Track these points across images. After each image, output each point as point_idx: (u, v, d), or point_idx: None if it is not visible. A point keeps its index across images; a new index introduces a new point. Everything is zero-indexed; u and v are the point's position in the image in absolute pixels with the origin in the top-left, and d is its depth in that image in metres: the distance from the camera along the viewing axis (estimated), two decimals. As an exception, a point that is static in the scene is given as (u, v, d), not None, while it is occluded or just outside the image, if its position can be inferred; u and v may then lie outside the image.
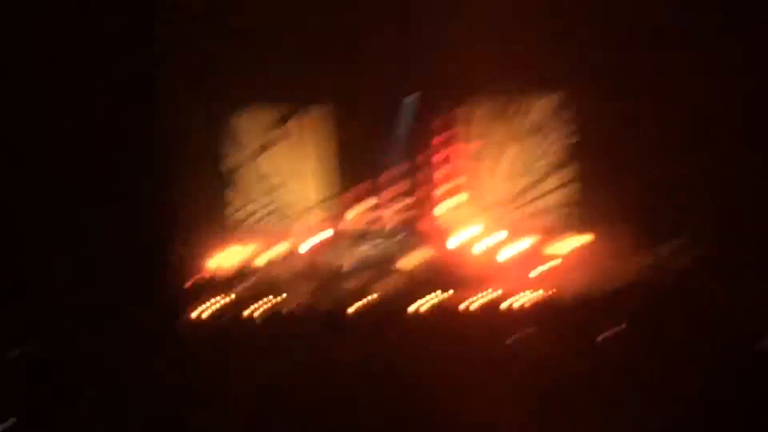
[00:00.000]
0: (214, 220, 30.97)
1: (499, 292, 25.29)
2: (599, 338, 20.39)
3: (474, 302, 24.28)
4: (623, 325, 21.21)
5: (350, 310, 24.29)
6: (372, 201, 31.01)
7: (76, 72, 23.03)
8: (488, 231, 30.13)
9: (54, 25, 23.20)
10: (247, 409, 17.41)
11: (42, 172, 23.03)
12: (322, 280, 28.43)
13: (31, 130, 23.17)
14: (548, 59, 29.20)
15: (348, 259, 29.02)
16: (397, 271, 28.26)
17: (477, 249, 29.19)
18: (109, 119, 23.48)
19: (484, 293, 25.26)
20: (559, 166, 30.82)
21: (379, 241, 28.87)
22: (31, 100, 23.09)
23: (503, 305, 24.49)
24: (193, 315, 24.37)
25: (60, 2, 23.19)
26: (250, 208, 31.71)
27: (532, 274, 27.15)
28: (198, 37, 28.43)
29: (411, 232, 29.86)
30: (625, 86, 27.94)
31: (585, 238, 29.63)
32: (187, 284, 25.75)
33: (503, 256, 28.85)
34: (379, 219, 30.28)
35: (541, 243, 29.42)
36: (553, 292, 24.48)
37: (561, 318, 22.68)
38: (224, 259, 30.24)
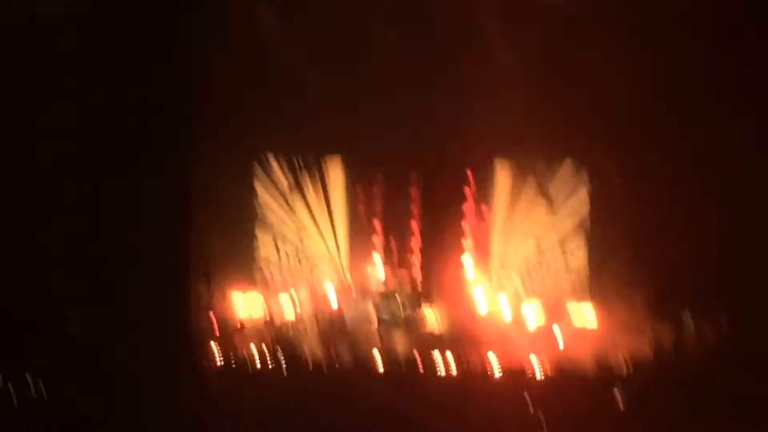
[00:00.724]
0: (240, 268, 31.71)
1: (509, 354, 25.18)
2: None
3: (487, 364, 24.28)
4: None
5: (371, 365, 24.39)
6: (391, 257, 31.69)
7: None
8: (501, 294, 30.77)
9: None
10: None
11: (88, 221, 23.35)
12: (343, 333, 29.00)
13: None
14: (566, 128, 29.98)
15: (368, 313, 29.42)
16: (417, 330, 28.75)
17: (491, 312, 29.76)
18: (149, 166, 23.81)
19: (494, 355, 25.16)
20: (573, 234, 31.49)
21: (398, 297, 29.18)
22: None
23: (513, 367, 24.37)
24: (219, 362, 24.60)
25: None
26: (276, 257, 32.49)
27: (544, 339, 27.30)
28: (228, 88, 29.13)
29: (428, 291, 30.24)
30: (640, 159, 28.50)
31: (597, 307, 30.25)
32: (215, 331, 26.01)
33: (516, 319, 29.30)
34: (399, 275, 30.82)
35: (554, 309, 30.00)
36: (563, 360, 24.46)
37: (572, 385, 22.76)
38: (251, 308, 31.03)
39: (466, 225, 31.94)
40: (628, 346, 26.82)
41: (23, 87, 24.03)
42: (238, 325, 29.21)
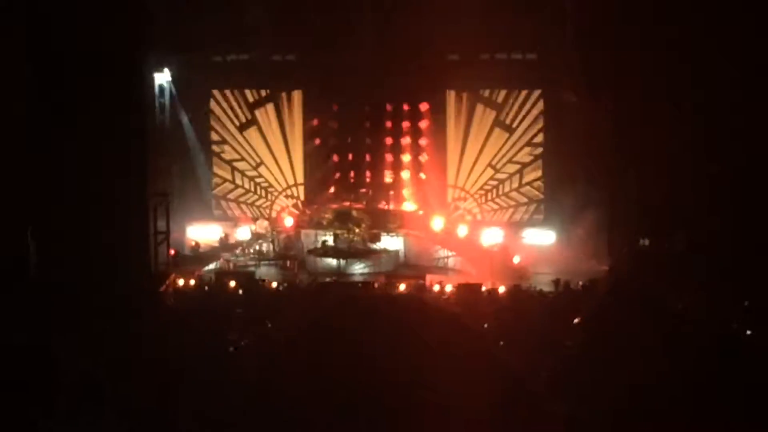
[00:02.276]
0: (197, 193, 32.23)
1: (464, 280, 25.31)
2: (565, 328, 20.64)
3: (442, 288, 24.39)
4: (577, 320, 21.45)
5: (321, 287, 24.43)
6: (348, 188, 31.86)
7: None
8: (456, 222, 30.84)
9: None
10: (226, 376, 17.58)
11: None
12: (296, 257, 29.14)
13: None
14: (525, 58, 30.37)
15: (322, 239, 29.42)
16: (367, 254, 28.78)
17: (448, 238, 29.66)
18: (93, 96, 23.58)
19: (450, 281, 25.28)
20: (529, 163, 31.79)
21: (355, 227, 29.06)
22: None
23: (470, 291, 24.42)
24: (176, 283, 24.67)
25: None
26: (230, 185, 32.95)
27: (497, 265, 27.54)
28: (183, 20, 29.04)
29: (385, 220, 30.18)
30: (600, 88, 28.33)
31: (550, 235, 30.79)
32: (171, 253, 26.08)
33: (472, 245, 29.37)
34: (356, 205, 30.75)
35: (510, 236, 30.12)
36: (519, 284, 24.62)
37: (526, 307, 22.84)
38: (205, 232, 31.32)
39: (423, 156, 32.20)
40: (583, 268, 27.12)
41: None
42: (195, 253, 29.28)
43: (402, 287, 24.46)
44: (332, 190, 32.10)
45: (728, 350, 16.04)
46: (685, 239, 26.75)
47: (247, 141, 32.57)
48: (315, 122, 32.35)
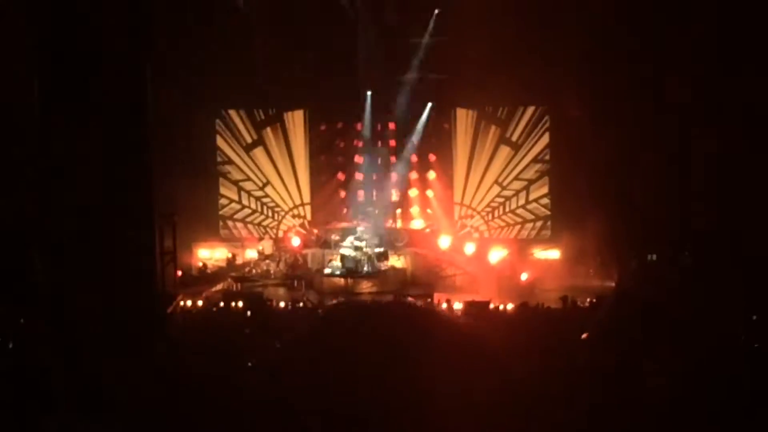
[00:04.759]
0: (204, 214, 32.01)
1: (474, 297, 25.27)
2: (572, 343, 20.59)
3: (450, 306, 24.36)
4: (585, 335, 21.38)
5: (330, 306, 24.35)
6: (357, 206, 31.76)
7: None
8: (466, 239, 30.97)
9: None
10: (235, 395, 17.51)
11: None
12: (304, 277, 29.00)
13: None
14: (532, 75, 30.21)
15: (328, 258, 29.33)
16: (377, 272, 28.64)
17: (455, 255, 29.70)
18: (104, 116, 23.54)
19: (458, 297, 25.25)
20: (535, 179, 31.86)
21: (358, 242, 28.96)
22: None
23: (478, 309, 24.39)
24: (183, 304, 24.66)
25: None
26: (237, 205, 32.93)
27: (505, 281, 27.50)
28: (188, 43, 29.10)
29: (393, 239, 30.22)
30: (605, 104, 28.51)
31: (558, 251, 30.64)
32: (178, 274, 26.10)
33: (480, 263, 29.33)
34: (359, 222, 30.65)
35: (517, 253, 30.07)
36: (527, 301, 24.57)
37: (535, 324, 22.78)
38: (213, 253, 31.36)
39: (430, 174, 32.25)
40: (591, 285, 27.13)
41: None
42: (203, 274, 29.30)
43: (410, 305, 24.39)
44: (339, 209, 32.07)
45: (736, 364, 15.98)
46: (693, 254, 26.74)
47: (253, 161, 32.63)
48: (320, 141, 32.45)
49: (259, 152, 32.63)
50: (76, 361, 18.32)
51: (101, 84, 22.15)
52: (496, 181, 32.00)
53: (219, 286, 28.14)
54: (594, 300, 23.78)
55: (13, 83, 22.67)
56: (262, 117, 32.71)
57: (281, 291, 28.22)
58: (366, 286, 28.12)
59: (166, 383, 17.80)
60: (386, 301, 24.01)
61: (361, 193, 32.25)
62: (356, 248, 28.72)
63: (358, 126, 31.97)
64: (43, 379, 17.03)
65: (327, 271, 28.70)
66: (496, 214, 32.13)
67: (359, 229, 29.83)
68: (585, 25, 28.22)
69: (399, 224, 31.68)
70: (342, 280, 28.16)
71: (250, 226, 32.80)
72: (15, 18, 22.82)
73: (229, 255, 30.77)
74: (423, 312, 20.12)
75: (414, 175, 32.14)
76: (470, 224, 32.15)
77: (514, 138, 31.77)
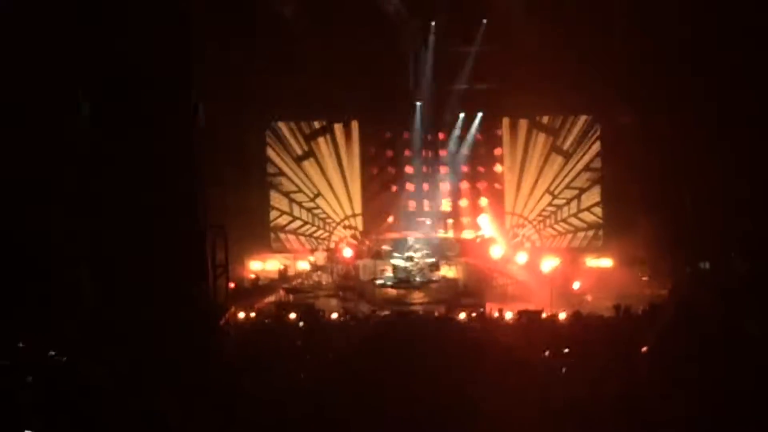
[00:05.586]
0: (255, 226, 32.14)
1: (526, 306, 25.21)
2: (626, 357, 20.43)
3: (501, 315, 24.32)
4: (644, 349, 21.17)
5: (384, 317, 24.35)
6: (407, 218, 31.82)
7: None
8: (518, 248, 30.93)
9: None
10: (285, 409, 17.51)
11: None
12: (357, 288, 29.08)
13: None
14: (581, 83, 30.14)
15: (380, 269, 29.39)
16: (426, 283, 28.61)
17: (507, 265, 29.66)
18: (155, 127, 23.60)
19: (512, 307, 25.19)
20: (587, 188, 31.82)
21: (410, 253, 29.02)
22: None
23: (530, 318, 24.31)
24: (236, 316, 24.77)
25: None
26: (288, 217, 32.99)
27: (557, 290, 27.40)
28: (240, 55, 29.23)
29: (445, 249, 30.17)
30: (655, 112, 28.39)
31: (610, 259, 30.51)
32: (230, 286, 26.15)
33: (532, 272, 29.20)
34: (410, 232, 30.74)
35: (569, 262, 29.90)
36: (579, 310, 24.45)
37: (589, 333, 22.66)
38: (264, 265, 31.47)
39: (481, 184, 32.22)
40: (644, 293, 26.89)
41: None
42: (255, 286, 29.39)
43: (462, 316, 24.35)
44: (390, 219, 32.08)
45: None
46: (747, 262, 26.51)
47: (304, 172, 32.72)
48: (371, 152, 32.53)
49: (309, 164, 32.72)
50: (128, 376, 18.41)
51: (151, 96, 22.32)
52: (547, 190, 31.95)
53: (271, 298, 28.24)
54: (647, 308, 23.62)
55: (60, 97, 22.86)
56: (313, 128, 32.80)
57: (333, 302, 28.27)
58: (418, 297, 28.08)
59: (220, 395, 17.88)
60: (435, 317, 24.00)
61: (412, 204, 32.30)
62: (408, 258, 28.77)
63: (408, 136, 32.04)
64: (94, 395, 17.12)
65: (379, 281, 28.79)
66: (547, 223, 32.09)
67: (410, 239, 29.86)
68: (635, 32, 28.07)
69: (450, 234, 31.62)
70: (394, 291, 28.21)
71: (301, 237, 32.87)
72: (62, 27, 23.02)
73: (281, 266, 30.81)
74: (471, 328, 20.10)
75: (465, 185, 32.15)
76: (522, 233, 32.11)
77: (565, 147, 31.75)
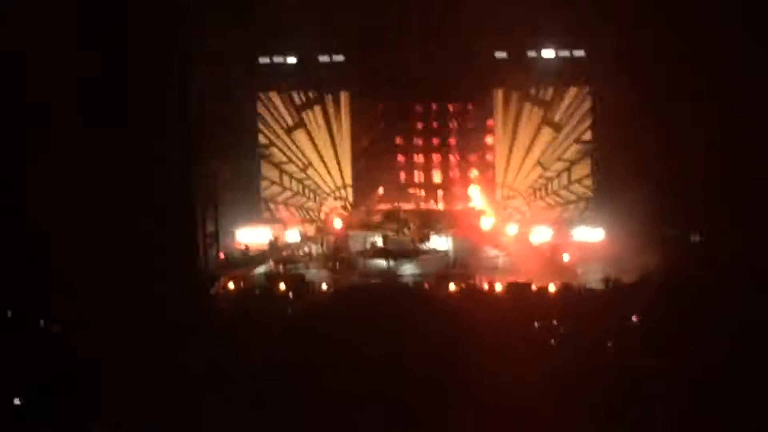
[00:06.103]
0: (246, 196, 32.07)
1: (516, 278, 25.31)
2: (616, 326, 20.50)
3: (492, 287, 24.38)
4: (635, 318, 21.32)
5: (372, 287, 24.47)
6: (398, 189, 31.81)
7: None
8: (508, 220, 30.87)
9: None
10: (276, 377, 17.59)
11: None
12: (346, 259, 29.03)
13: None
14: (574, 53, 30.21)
15: (370, 240, 29.26)
16: (416, 255, 28.59)
17: (497, 237, 29.64)
18: (141, 97, 23.54)
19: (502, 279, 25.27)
20: (577, 160, 31.69)
21: (405, 227, 28.92)
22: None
23: (520, 290, 24.40)
24: (226, 285, 24.81)
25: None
26: (279, 188, 32.86)
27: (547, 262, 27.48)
28: (229, 23, 29.08)
29: (435, 221, 30.03)
30: (649, 84, 28.27)
31: (601, 231, 30.49)
32: (220, 256, 26.20)
33: (522, 244, 29.27)
34: (401, 203, 30.76)
35: (559, 234, 30.07)
36: (567, 283, 24.54)
37: (578, 306, 22.75)
38: (255, 235, 31.40)
39: (471, 156, 32.18)
40: (633, 265, 26.91)
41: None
42: (245, 256, 29.36)
43: (452, 287, 24.43)
44: (381, 191, 32.06)
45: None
46: (737, 235, 26.53)
47: (294, 143, 32.59)
48: (362, 123, 32.44)
49: (300, 134, 32.58)
50: (125, 341, 18.51)
51: (142, 72, 22.36)
52: (537, 162, 31.91)
53: (261, 268, 28.26)
54: (637, 280, 23.70)
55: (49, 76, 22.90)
56: (304, 99, 32.61)
57: (323, 273, 28.30)
58: (408, 268, 28.12)
59: (209, 363, 17.97)
60: (425, 288, 24.14)
61: (402, 175, 32.31)
62: (397, 230, 28.77)
63: (400, 108, 31.97)
64: (94, 361, 17.21)
65: (369, 253, 28.76)
66: (538, 195, 31.98)
67: (401, 211, 29.85)
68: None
69: (441, 206, 31.62)
70: (384, 262, 28.20)
71: (292, 208, 32.82)
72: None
73: (271, 237, 30.75)
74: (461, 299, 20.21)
75: (455, 157, 32.12)
76: (512, 205, 32.06)
77: (556, 119, 31.63)
